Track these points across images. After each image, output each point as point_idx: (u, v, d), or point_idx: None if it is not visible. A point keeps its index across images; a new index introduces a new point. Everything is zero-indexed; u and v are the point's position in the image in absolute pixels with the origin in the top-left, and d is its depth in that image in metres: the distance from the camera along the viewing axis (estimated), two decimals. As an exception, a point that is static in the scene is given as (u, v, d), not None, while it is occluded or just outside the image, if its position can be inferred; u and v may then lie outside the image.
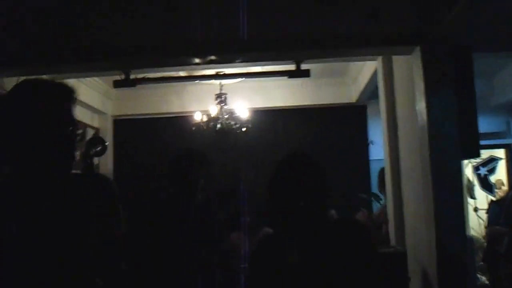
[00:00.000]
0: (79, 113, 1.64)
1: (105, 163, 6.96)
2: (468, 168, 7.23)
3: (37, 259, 1.55)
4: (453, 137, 3.18)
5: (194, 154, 3.51)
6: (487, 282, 5.40)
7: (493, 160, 7.23)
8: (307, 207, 1.97)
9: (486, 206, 7.01)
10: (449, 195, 3.18)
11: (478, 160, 7.16)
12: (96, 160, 6.52)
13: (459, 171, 3.28)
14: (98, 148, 1.66)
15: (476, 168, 7.23)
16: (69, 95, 1.68)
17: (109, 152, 7.04)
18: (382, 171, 4.76)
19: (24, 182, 1.61)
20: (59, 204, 1.61)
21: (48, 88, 1.68)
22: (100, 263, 1.71)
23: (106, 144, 1.68)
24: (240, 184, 4.42)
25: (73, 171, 1.70)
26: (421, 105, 3.31)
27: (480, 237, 6.88)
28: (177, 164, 3.43)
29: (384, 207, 4.65)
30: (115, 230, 1.78)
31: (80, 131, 1.68)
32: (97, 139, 1.68)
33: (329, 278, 1.87)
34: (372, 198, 5.66)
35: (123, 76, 4.17)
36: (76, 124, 1.69)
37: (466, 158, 4.94)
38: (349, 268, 1.88)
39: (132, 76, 4.21)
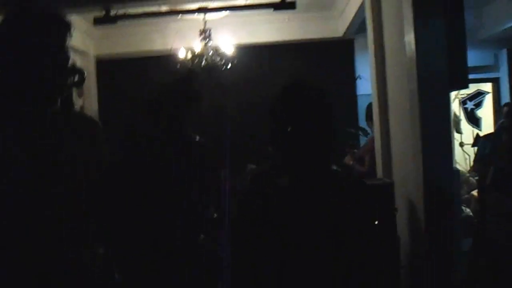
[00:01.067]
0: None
1: (90, 105, 6.88)
2: (455, 103, 7.24)
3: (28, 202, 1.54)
4: (441, 68, 3.15)
5: (180, 87, 3.28)
6: (471, 214, 5.51)
7: (480, 94, 7.23)
8: (303, 142, 1.85)
9: (471, 141, 7.10)
10: (436, 128, 3.18)
11: (464, 94, 7.16)
12: (80, 101, 6.44)
13: (447, 103, 3.27)
14: (76, 78, 1.59)
15: (463, 102, 7.24)
16: (67, 27, 1.64)
17: (93, 93, 6.94)
18: (369, 106, 4.77)
19: (11, 113, 1.58)
20: (46, 139, 1.59)
21: (42, 16, 1.62)
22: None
23: (85, 74, 1.61)
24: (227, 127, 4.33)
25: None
26: (409, 37, 3.25)
27: (465, 171, 6.97)
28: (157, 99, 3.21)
29: (371, 138, 4.68)
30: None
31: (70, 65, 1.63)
32: (75, 69, 1.60)
33: (322, 223, 1.83)
34: (360, 132, 5.69)
35: (104, 13, 4.06)
36: (68, 56, 1.64)
37: (454, 90, 4.93)
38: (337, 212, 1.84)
39: (113, 13, 4.09)
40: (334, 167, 1.98)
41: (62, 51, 1.61)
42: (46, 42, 1.58)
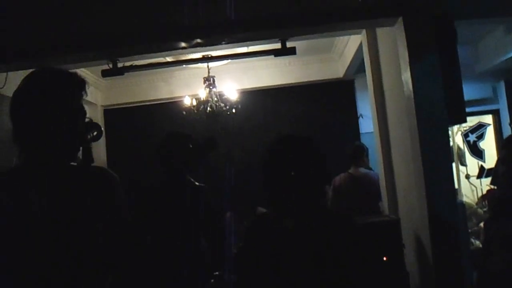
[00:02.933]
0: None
1: (98, 154, 6.97)
2: (458, 136, 7.32)
3: (43, 253, 1.57)
4: (439, 104, 3.24)
5: (179, 136, 3.47)
6: (481, 246, 5.50)
7: (481, 126, 7.31)
8: (303, 186, 1.98)
9: (476, 173, 7.14)
10: (437, 162, 3.25)
11: (467, 127, 7.24)
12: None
13: (447, 137, 3.35)
14: (95, 133, 1.68)
15: (465, 135, 7.31)
16: (81, 84, 1.71)
17: (101, 143, 7.05)
18: (355, 148, 5.16)
19: (35, 170, 1.63)
20: (69, 194, 1.64)
21: (62, 76, 1.70)
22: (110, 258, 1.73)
23: (102, 129, 1.70)
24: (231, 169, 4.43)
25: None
26: (406, 75, 3.36)
27: (473, 203, 6.98)
28: (162, 147, 3.40)
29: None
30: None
31: (87, 119, 1.71)
32: (93, 124, 1.69)
33: (326, 257, 1.90)
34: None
35: (111, 65, 4.19)
36: (85, 112, 1.72)
37: (453, 124, 5.04)
38: (343, 250, 1.93)
39: (119, 65, 4.23)
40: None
41: (80, 107, 1.69)
42: (66, 100, 1.66)
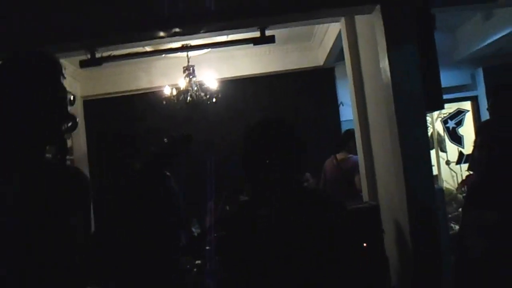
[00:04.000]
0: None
1: (79, 146, 6.93)
2: (437, 122, 7.39)
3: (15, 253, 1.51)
4: (416, 91, 3.27)
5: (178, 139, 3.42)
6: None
7: (460, 112, 7.39)
8: (282, 172, 1.97)
9: (456, 159, 7.23)
10: (415, 148, 3.28)
11: (446, 113, 7.31)
12: (69, 142, 6.48)
13: (425, 124, 3.38)
14: (69, 124, 1.64)
15: (444, 122, 7.39)
16: (55, 65, 1.64)
17: (82, 134, 6.99)
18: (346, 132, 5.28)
19: (6, 160, 1.57)
20: (42, 187, 1.58)
21: (33, 59, 1.63)
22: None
23: (77, 120, 1.66)
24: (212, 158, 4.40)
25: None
26: (384, 63, 3.39)
27: (453, 188, 7.08)
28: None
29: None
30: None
31: (69, 98, 1.64)
32: (67, 115, 1.64)
33: (305, 244, 1.90)
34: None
35: (89, 56, 4.15)
36: (66, 92, 1.65)
37: (431, 111, 5.09)
38: (322, 236, 1.92)
39: (98, 55, 4.19)
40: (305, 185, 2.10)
41: (57, 90, 1.62)
42: (40, 82, 1.58)
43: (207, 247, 3.52)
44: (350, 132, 5.10)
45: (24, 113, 1.55)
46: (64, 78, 1.65)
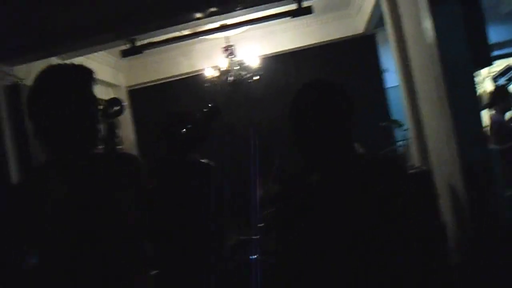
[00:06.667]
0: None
1: (127, 135, 7.07)
2: (487, 82, 7.15)
3: (73, 243, 1.64)
4: (462, 49, 3.16)
5: (174, 116, 3.36)
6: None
7: (510, 69, 7.10)
8: (333, 134, 1.89)
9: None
10: (465, 109, 3.18)
11: (495, 71, 7.05)
12: (118, 133, 6.61)
13: (473, 82, 3.26)
14: (117, 108, 1.72)
15: (494, 80, 7.12)
16: (89, 75, 1.76)
17: (129, 123, 7.13)
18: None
19: (62, 161, 1.69)
20: (97, 183, 1.70)
21: (71, 70, 1.76)
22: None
23: (124, 104, 1.74)
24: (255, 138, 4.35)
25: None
26: (427, 23, 3.28)
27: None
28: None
29: None
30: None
31: (101, 107, 1.77)
32: (114, 100, 1.73)
33: (354, 212, 1.83)
34: (393, 125, 5.68)
35: (129, 45, 4.22)
36: (97, 100, 1.77)
37: (479, 69, 4.91)
38: (378, 202, 1.82)
39: (138, 44, 4.25)
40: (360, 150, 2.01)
41: (91, 96, 1.75)
42: (77, 92, 1.71)
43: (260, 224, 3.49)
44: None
45: (65, 117, 1.68)
46: (96, 83, 1.78)
